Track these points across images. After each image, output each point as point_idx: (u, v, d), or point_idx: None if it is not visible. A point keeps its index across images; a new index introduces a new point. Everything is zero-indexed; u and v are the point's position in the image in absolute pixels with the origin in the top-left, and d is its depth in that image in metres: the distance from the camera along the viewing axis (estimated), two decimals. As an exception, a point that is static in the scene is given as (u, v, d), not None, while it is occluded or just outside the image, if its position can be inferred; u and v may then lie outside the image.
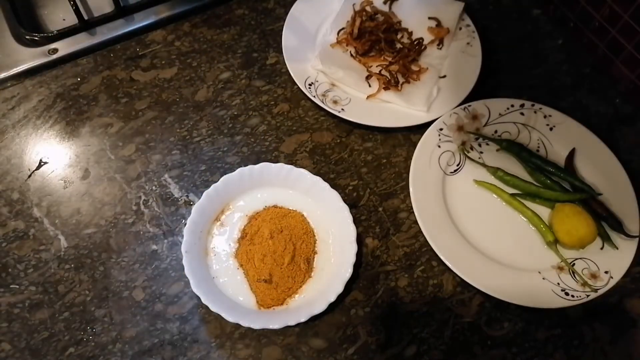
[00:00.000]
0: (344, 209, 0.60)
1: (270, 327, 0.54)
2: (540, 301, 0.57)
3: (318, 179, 0.62)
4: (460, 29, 0.77)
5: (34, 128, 0.70)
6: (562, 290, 0.58)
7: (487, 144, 0.69)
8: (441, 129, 0.68)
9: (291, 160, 0.68)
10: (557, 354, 0.57)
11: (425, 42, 0.77)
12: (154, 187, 0.66)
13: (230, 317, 0.54)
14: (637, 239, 0.61)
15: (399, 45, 0.76)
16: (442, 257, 0.59)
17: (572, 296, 0.58)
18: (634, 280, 0.61)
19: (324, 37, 0.77)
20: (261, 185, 0.64)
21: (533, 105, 0.69)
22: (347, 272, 0.57)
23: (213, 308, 0.54)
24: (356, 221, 0.61)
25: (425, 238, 0.61)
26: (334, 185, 0.62)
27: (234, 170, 0.62)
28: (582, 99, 0.74)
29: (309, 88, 0.71)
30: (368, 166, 0.68)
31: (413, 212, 0.62)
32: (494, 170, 0.66)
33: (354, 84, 0.72)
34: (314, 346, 0.57)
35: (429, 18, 0.78)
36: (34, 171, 0.67)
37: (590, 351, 0.57)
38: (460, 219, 0.63)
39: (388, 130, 0.70)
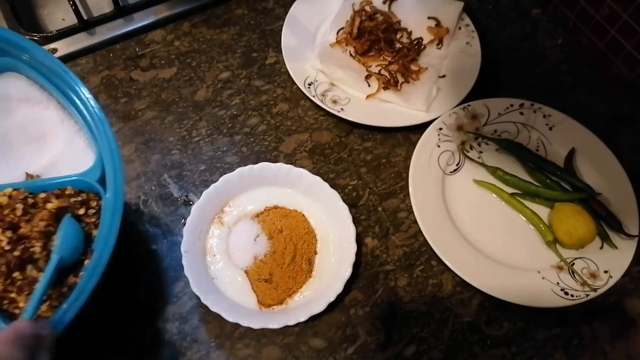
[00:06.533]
0: (344, 209, 0.60)
1: (270, 326, 0.54)
2: (540, 301, 0.57)
3: (318, 178, 0.61)
4: (460, 28, 0.77)
5: (34, 128, 0.70)
6: (561, 290, 0.58)
7: (487, 144, 0.69)
8: (441, 129, 0.68)
9: (291, 160, 0.68)
10: (557, 353, 0.57)
11: (424, 42, 0.76)
12: (153, 187, 0.66)
13: (229, 317, 0.54)
14: (637, 238, 0.61)
15: (398, 45, 0.76)
16: (441, 257, 0.59)
17: (572, 296, 0.58)
18: (634, 279, 0.61)
19: (324, 37, 0.77)
20: (261, 185, 0.63)
21: (532, 104, 0.69)
22: (347, 271, 0.57)
23: (213, 308, 0.54)
24: (356, 221, 0.61)
25: (424, 238, 0.61)
26: (333, 185, 0.62)
27: (234, 170, 0.62)
28: (582, 99, 0.74)
29: (309, 88, 0.71)
30: (367, 166, 0.68)
31: (412, 211, 0.62)
32: (494, 170, 0.66)
33: (353, 84, 0.72)
34: (314, 346, 0.57)
35: (429, 18, 0.78)
36: (33, 171, 0.67)
37: (590, 351, 0.57)
38: (460, 219, 0.63)
39: (387, 130, 0.70)
